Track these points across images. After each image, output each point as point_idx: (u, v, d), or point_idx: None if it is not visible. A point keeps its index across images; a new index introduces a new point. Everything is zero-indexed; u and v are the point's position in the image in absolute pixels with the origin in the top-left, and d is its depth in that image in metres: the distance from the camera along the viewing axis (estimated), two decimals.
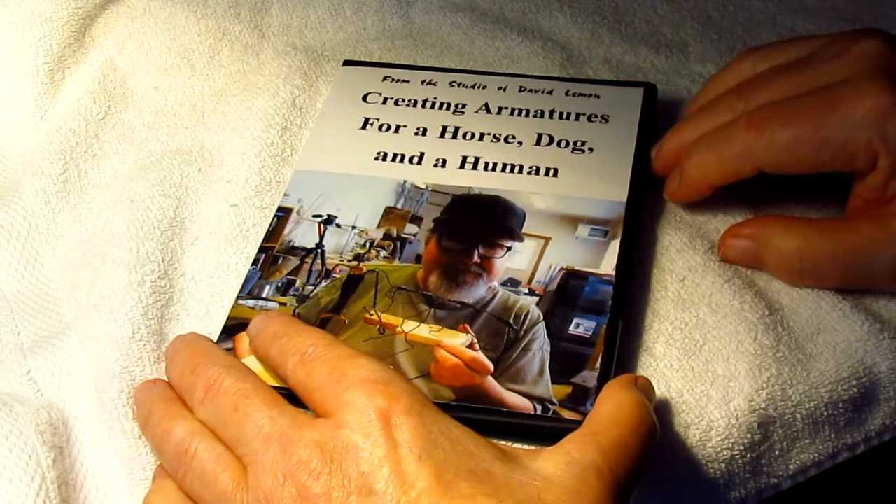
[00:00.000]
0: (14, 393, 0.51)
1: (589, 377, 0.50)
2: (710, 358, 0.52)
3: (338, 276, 0.55)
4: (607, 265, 0.54)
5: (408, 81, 0.65)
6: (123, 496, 0.48)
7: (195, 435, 0.47)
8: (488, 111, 0.63)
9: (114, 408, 0.49)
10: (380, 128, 0.62)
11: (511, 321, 0.52)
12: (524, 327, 0.52)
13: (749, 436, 0.50)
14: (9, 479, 0.46)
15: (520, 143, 0.61)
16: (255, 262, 0.56)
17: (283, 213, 0.58)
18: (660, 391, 0.51)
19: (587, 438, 0.44)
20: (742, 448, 0.50)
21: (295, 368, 0.47)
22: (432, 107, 0.63)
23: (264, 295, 0.54)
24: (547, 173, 0.59)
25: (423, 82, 0.65)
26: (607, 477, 0.43)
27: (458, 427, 0.44)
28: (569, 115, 0.62)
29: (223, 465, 0.45)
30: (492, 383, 0.50)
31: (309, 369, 0.46)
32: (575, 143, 0.60)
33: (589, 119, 0.62)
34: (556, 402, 0.49)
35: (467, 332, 0.52)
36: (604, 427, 0.45)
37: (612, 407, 0.46)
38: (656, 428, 0.46)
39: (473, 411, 0.48)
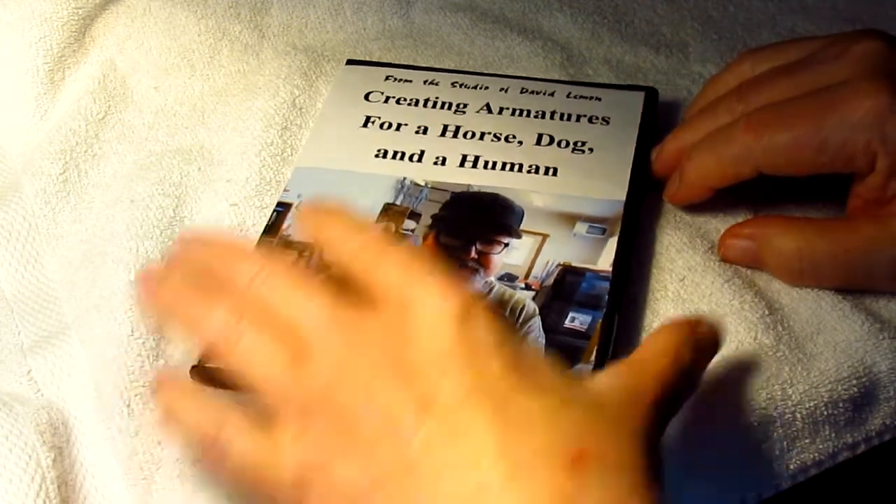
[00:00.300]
0: (14, 393, 0.51)
1: (584, 369, 0.50)
2: None
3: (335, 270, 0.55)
4: (604, 262, 0.55)
5: (410, 81, 0.65)
6: (123, 496, 0.48)
7: (243, 312, 0.44)
8: (489, 111, 0.63)
9: (113, 407, 0.49)
10: (381, 126, 0.62)
11: (507, 315, 0.52)
12: (520, 321, 0.52)
13: (749, 435, 0.50)
14: (9, 479, 0.46)
15: (520, 142, 0.61)
16: None
17: (282, 209, 0.58)
18: None
19: (636, 366, 0.44)
20: (741, 448, 0.51)
21: (361, 252, 0.45)
22: (434, 106, 0.63)
23: None
24: (546, 172, 0.59)
25: (425, 82, 0.65)
26: (650, 404, 0.43)
27: (518, 333, 0.45)
28: (570, 116, 0.62)
29: (277, 345, 0.43)
30: None
31: (378, 257, 0.45)
32: (575, 143, 0.60)
33: (590, 121, 0.62)
34: None
35: None
36: (652, 357, 0.44)
37: (661, 343, 0.45)
38: (697, 372, 0.46)
39: None
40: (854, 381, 0.52)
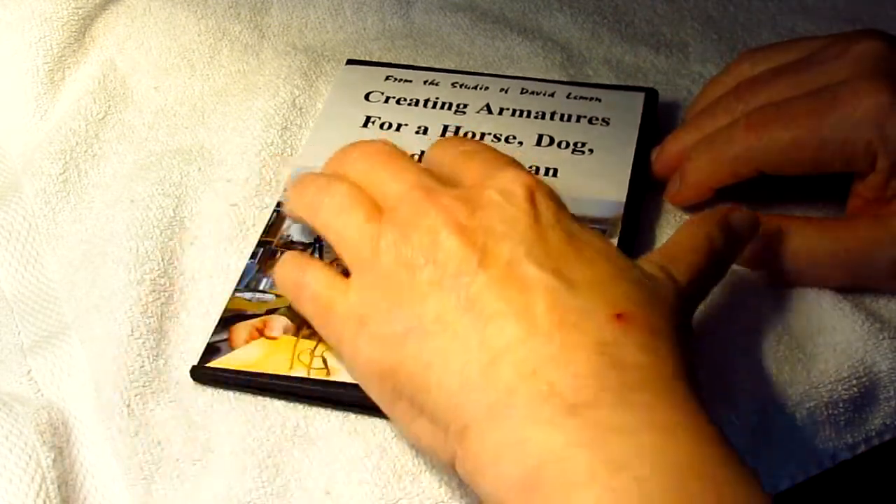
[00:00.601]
0: (14, 393, 0.51)
1: None
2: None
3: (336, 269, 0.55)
4: None
5: (410, 81, 0.65)
6: (123, 496, 0.48)
7: (339, 177, 0.50)
8: (489, 112, 0.63)
9: (112, 407, 0.49)
10: (381, 126, 0.62)
11: None
12: None
13: (749, 435, 0.50)
14: (9, 479, 0.46)
15: (520, 143, 0.61)
16: (253, 256, 0.56)
17: (282, 209, 0.58)
18: None
19: (671, 252, 0.48)
20: (740, 448, 0.50)
21: (444, 146, 0.53)
22: (434, 106, 0.63)
23: (262, 287, 0.54)
24: (546, 173, 0.59)
25: (425, 82, 0.65)
26: (683, 287, 0.47)
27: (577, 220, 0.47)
28: (570, 117, 0.62)
29: (361, 200, 0.48)
30: None
31: (462, 160, 0.50)
32: (575, 144, 0.60)
33: (590, 121, 0.62)
34: None
35: None
36: (687, 242, 0.49)
37: (695, 229, 0.50)
38: (728, 260, 0.51)
39: None
40: (854, 382, 0.52)
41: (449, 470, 0.44)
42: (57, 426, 0.49)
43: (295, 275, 0.50)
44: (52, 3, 0.64)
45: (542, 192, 0.47)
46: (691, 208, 0.59)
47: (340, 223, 0.48)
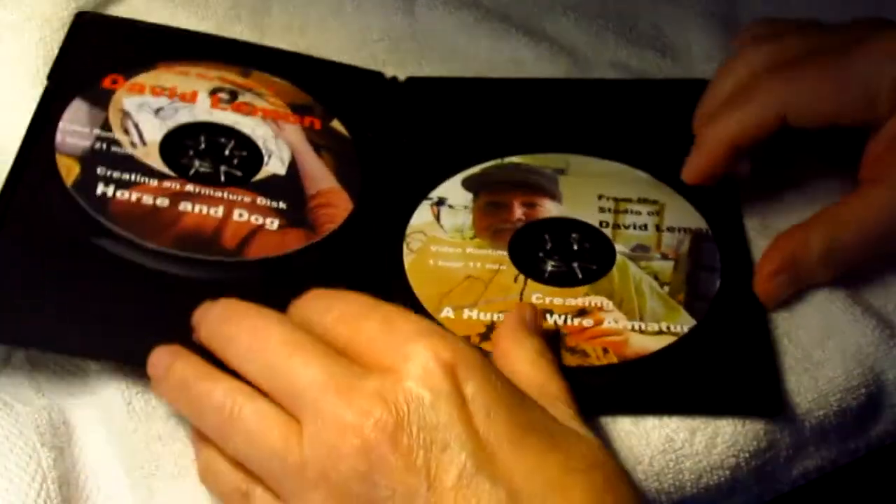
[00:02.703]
0: (15, 393, 0.50)
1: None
2: None
3: None
4: None
5: None
6: (125, 496, 0.48)
7: (238, 392, 0.44)
8: None
9: (113, 407, 0.49)
10: None
11: None
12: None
13: (755, 443, 0.50)
14: (9, 479, 0.46)
15: None
16: None
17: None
18: None
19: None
20: (747, 455, 0.50)
21: (335, 325, 0.45)
22: None
23: None
24: None
25: None
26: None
27: (510, 383, 0.44)
28: None
29: (272, 422, 0.43)
30: None
31: (355, 325, 0.44)
32: None
33: None
34: None
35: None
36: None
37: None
38: None
39: None
40: (863, 390, 0.52)
41: None
42: (58, 426, 0.49)
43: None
44: (52, 5, 0.64)
45: (463, 365, 0.42)
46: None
47: (257, 453, 0.43)
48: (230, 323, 0.46)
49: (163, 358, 0.47)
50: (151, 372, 0.47)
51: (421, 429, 0.41)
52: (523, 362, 0.47)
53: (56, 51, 0.63)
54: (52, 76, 0.60)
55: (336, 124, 0.61)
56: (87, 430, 0.50)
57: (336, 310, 0.45)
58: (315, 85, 0.62)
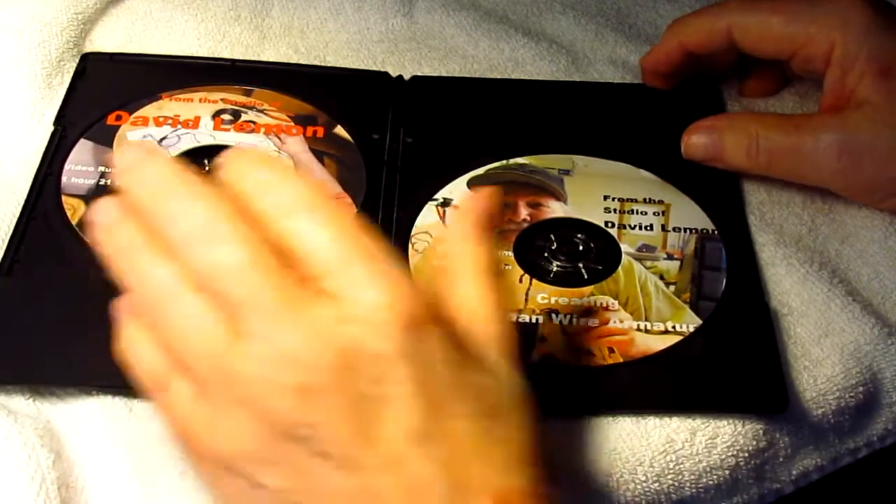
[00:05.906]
0: (14, 393, 0.50)
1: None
2: None
3: None
4: None
5: None
6: (125, 496, 0.48)
7: (183, 281, 0.39)
8: None
9: (113, 407, 0.50)
10: None
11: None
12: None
13: (754, 443, 0.50)
14: (9, 479, 0.46)
15: None
16: None
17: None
18: None
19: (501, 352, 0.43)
20: (747, 455, 0.50)
21: (286, 217, 0.40)
22: None
23: None
24: None
25: None
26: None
27: (457, 339, 0.41)
28: None
29: (215, 318, 0.39)
30: None
31: (307, 224, 0.40)
32: None
33: None
34: None
35: None
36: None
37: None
38: None
39: None
40: (861, 388, 0.52)
41: None
42: (57, 427, 0.49)
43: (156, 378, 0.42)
44: (51, 9, 0.64)
45: (416, 316, 0.39)
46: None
47: (191, 345, 0.40)
48: (167, 198, 0.40)
49: (111, 211, 0.42)
50: (98, 218, 0.42)
51: (366, 381, 0.38)
52: (467, 284, 0.43)
53: (54, 54, 0.63)
54: (58, 120, 0.61)
55: (339, 130, 0.61)
56: (87, 430, 0.49)
57: (286, 195, 0.40)
58: (317, 94, 0.63)
